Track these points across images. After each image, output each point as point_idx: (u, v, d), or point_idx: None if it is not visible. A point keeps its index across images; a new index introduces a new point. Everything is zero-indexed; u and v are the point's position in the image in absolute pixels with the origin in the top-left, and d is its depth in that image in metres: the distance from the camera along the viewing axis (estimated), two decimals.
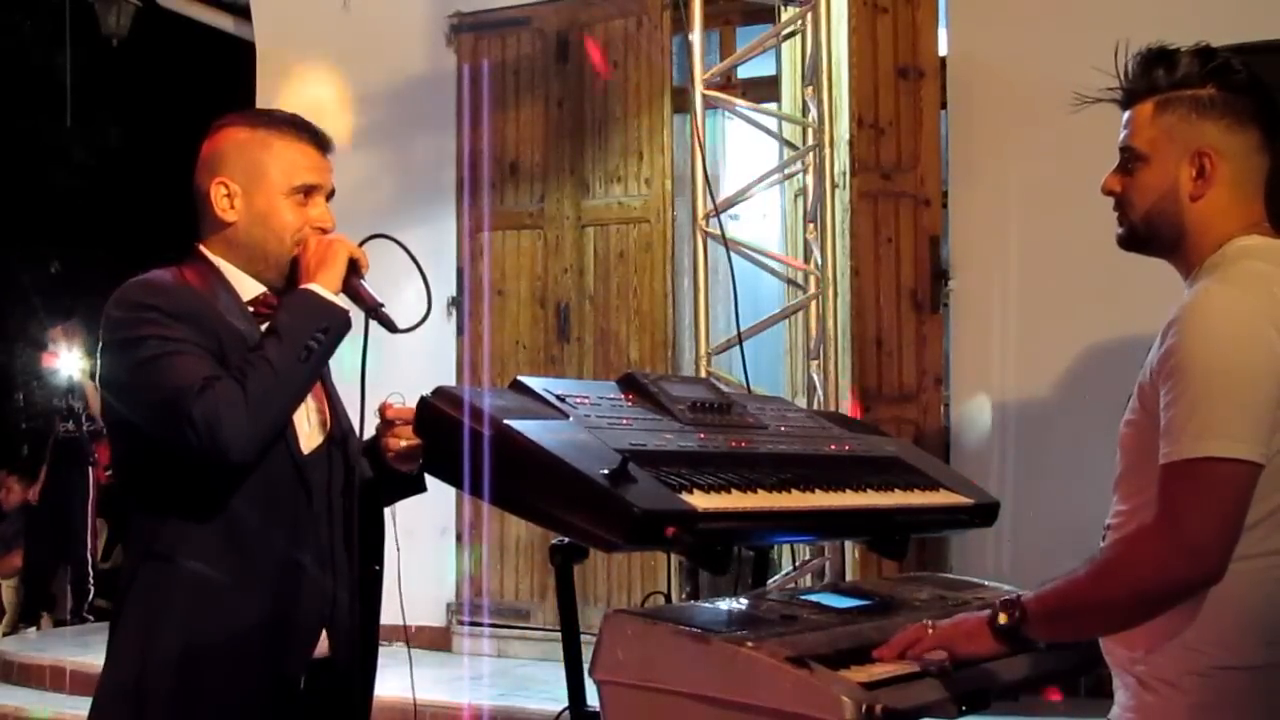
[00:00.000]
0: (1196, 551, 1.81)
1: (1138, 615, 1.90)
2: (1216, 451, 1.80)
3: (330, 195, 2.38)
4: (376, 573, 2.43)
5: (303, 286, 2.25)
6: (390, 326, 2.31)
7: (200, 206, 2.34)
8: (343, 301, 2.27)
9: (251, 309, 2.31)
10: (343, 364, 2.33)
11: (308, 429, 2.32)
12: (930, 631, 2.04)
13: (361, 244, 2.34)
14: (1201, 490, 1.81)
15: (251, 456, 2.15)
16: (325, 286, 2.24)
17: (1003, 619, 1.97)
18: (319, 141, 2.37)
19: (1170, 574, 1.83)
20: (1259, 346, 1.85)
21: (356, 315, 2.31)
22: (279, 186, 2.31)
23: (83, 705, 2.29)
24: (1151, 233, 2.04)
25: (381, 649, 2.46)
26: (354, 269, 2.30)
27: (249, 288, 2.33)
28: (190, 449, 2.10)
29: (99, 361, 2.27)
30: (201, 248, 2.35)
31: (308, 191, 2.33)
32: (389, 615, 2.47)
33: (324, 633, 2.31)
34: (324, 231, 2.33)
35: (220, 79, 9.89)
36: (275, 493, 2.25)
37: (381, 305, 2.31)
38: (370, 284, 2.34)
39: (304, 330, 2.19)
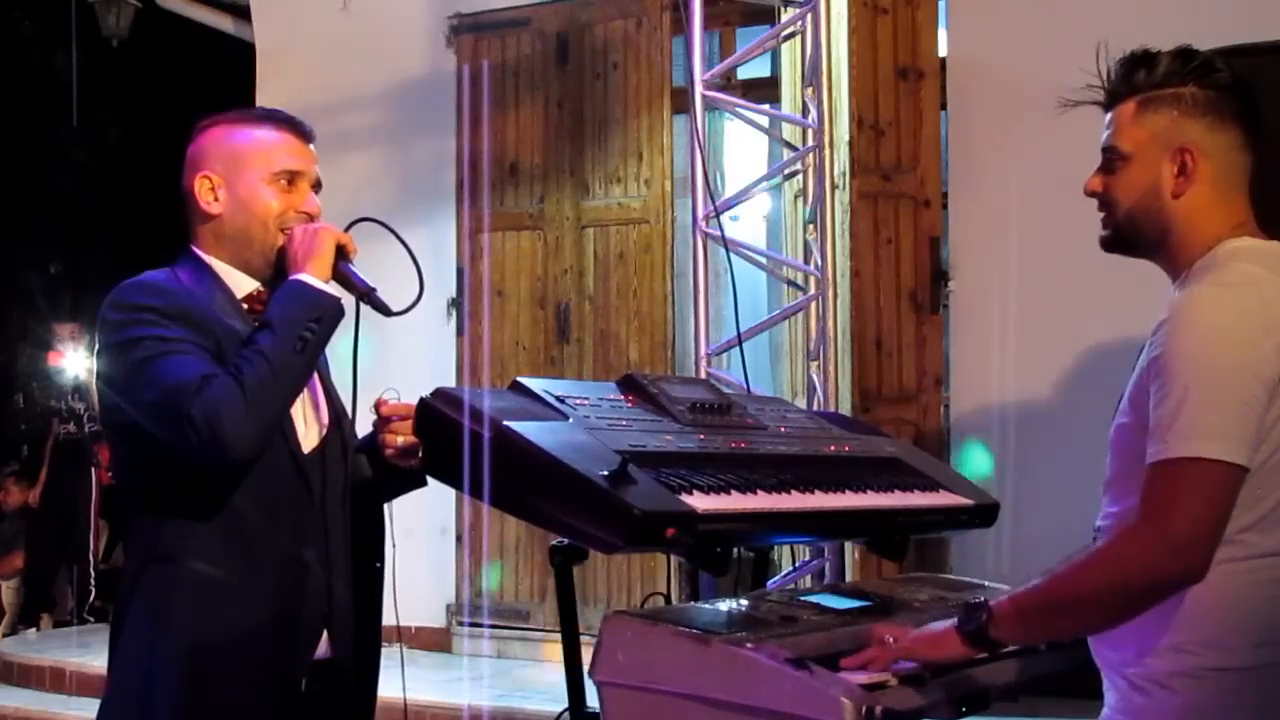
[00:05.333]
0: (1180, 549, 1.81)
1: (1117, 614, 1.90)
2: (1202, 453, 1.81)
3: (317, 187, 2.38)
4: (378, 570, 2.43)
5: (292, 277, 2.24)
6: (384, 310, 2.30)
7: (186, 204, 2.35)
8: (334, 289, 2.27)
9: (245, 306, 2.31)
10: (337, 353, 2.33)
11: (304, 427, 2.32)
12: (893, 644, 2.01)
13: (347, 229, 2.34)
14: (1187, 490, 1.81)
15: (252, 453, 2.15)
16: (315, 275, 2.24)
17: (968, 622, 1.96)
18: (299, 130, 2.37)
19: (1154, 572, 1.83)
20: (1247, 349, 1.85)
21: (349, 302, 2.30)
22: (260, 173, 2.31)
23: (82, 706, 2.29)
24: (1134, 231, 2.05)
25: (383, 648, 2.46)
26: (342, 255, 2.29)
27: (242, 284, 2.33)
28: (191, 447, 2.09)
29: (96, 363, 2.27)
30: (193, 248, 2.35)
31: (290, 178, 2.33)
32: (387, 616, 2.47)
33: (325, 633, 2.31)
34: (309, 218, 2.33)
35: (220, 79, 9.89)
36: (277, 491, 2.25)
37: (374, 290, 2.30)
38: (360, 269, 2.33)
39: (297, 321, 2.19)
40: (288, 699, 2.25)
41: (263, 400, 2.13)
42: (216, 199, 2.32)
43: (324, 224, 2.32)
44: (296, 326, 2.18)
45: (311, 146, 2.38)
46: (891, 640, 2.02)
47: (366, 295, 2.30)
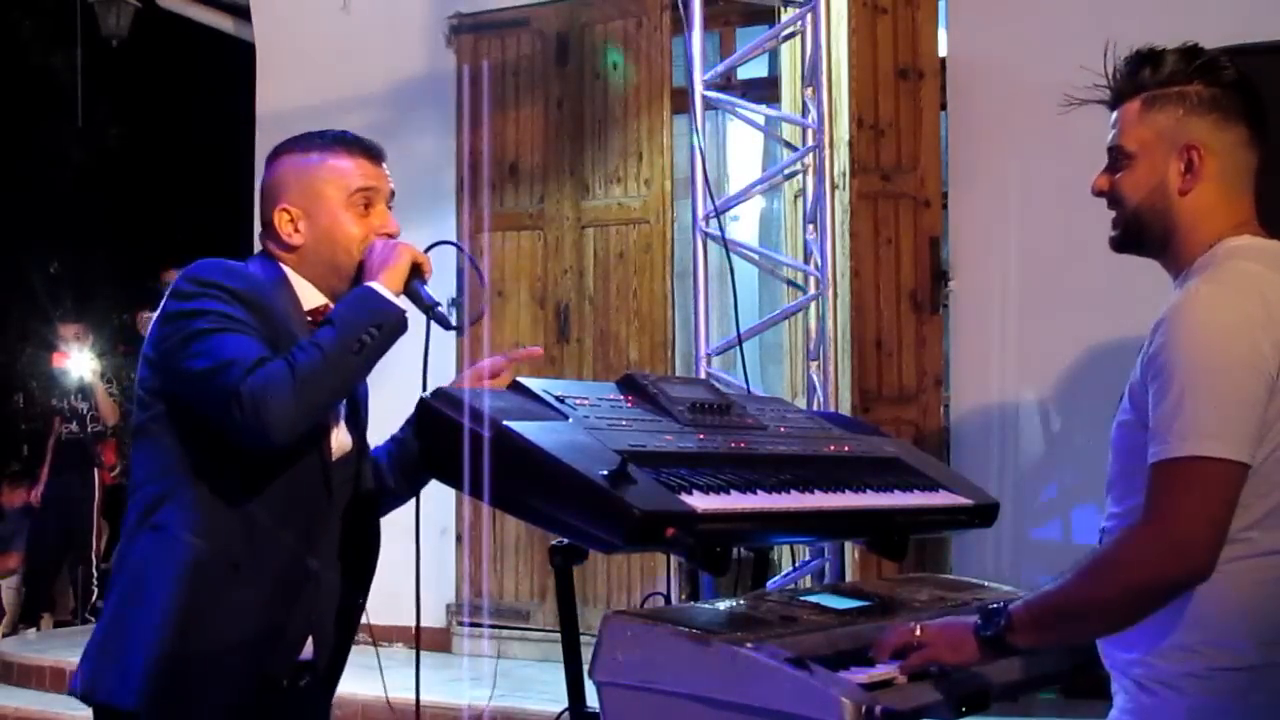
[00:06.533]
0: (1185, 550, 1.82)
1: (1127, 615, 1.91)
2: (1203, 451, 1.81)
3: (390, 199, 2.42)
4: (360, 605, 2.45)
5: (364, 284, 2.28)
6: (445, 324, 2.35)
7: (266, 233, 2.39)
8: (403, 303, 2.30)
9: (309, 319, 2.34)
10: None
11: (335, 435, 2.35)
12: (918, 634, 2.03)
13: (426, 250, 2.37)
14: (1189, 489, 1.82)
15: (289, 441, 2.17)
16: (386, 286, 2.27)
17: (987, 629, 1.97)
18: (370, 152, 2.41)
19: (1159, 572, 1.84)
20: (1245, 347, 1.85)
21: (418, 321, 2.33)
22: (337, 200, 2.35)
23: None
24: (1141, 229, 2.05)
25: (381, 649, 2.47)
26: (416, 273, 2.33)
27: (311, 298, 2.36)
28: (232, 424, 2.12)
29: (153, 327, 2.28)
30: (271, 254, 2.38)
31: (367, 201, 2.37)
32: (389, 615, 2.47)
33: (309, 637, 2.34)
34: (390, 238, 2.37)
35: (220, 79, 9.89)
36: (299, 494, 2.28)
37: (438, 305, 2.35)
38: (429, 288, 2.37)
39: (359, 324, 2.22)
40: (265, 692, 2.27)
41: (311, 391, 2.15)
42: (297, 230, 2.35)
43: (404, 241, 2.36)
44: (358, 328, 2.21)
45: (384, 166, 2.42)
46: (916, 631, 2.03)
47: (431, 310, 2.34)
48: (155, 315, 2.30)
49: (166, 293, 2.27)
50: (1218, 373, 1.83)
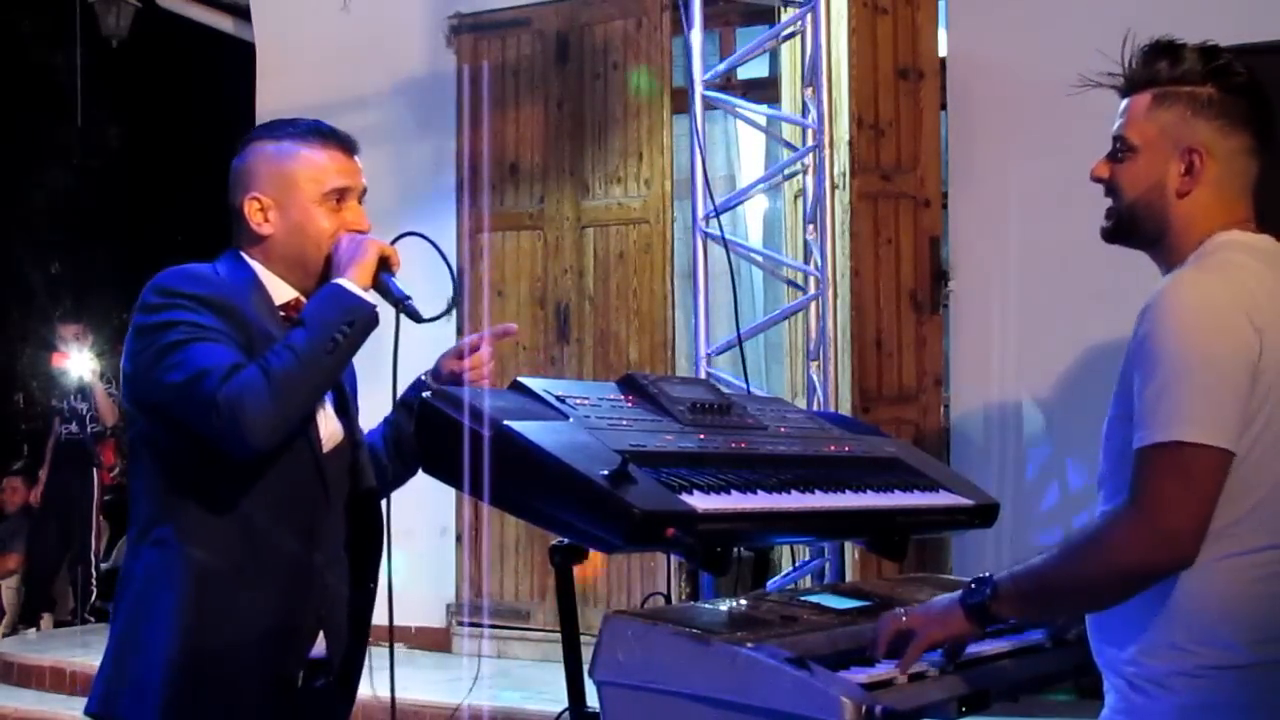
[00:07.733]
0: (1170, 535, 1.82)
1: (1111, 596, 1.92)
2: (1187, 437, 1.81)
3: (362, 195, 2.40)
4: (371, 590, 2.44)
5: (333, 281, 2.27)
6: (416, 317, 2.33)
7: (235, 221, 2.37)
8: (372, 298, 2.29)
9: (282, 313, 2.33)
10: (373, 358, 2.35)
11: (324, 428, 2.34)
12: (904, 620, 2.05)
13: (393, 242, 2.36)
14: (1173, 475, 1.82)
15: (271, 444, 2.16)
16: (355, 281, 2.26)
17: (972, 596, 1.99)
18: (345, 145, 2.39)
19: (1144, 557, 1.84)
20: (1230, 334, 1.85)
21: (389, 313, 2.32)
22: (310, 195, 2.33)
23: (83, 706, 2.29)
24: (1134, 223, 2.05)
25: (380, 649, 2.47)
26: (385, 266, 2.32)
27: (281, 292, 2.35)
28: (213, 432, 2.11)
29: (127, 342, 2.28)
30: (239, 251, 2.37)
31: (339, 196, 2.35)
32: (387, 615, 2.47)
33: (321, 634, 2.33)
34: (359, 233, 2.36)
35: (220, 79, 9.88)
36: (295, 491, 2.27)
37: (408, 298, 2.33)
38: (399, 280, 2.36)
39: (331, 323, 2.21)
40: (282, 693, 2.27)
41: (288, 394, 2.15)
42: (267, 220, 2.33)
43: (370, 236, 2.35)
44: (330, 328, 2.20)
45: (357, 158, 2.40)
46: (903, 616, 2.04)
47: (401, 303, 2.33)
48: (130, 328, 2.28)
49: (135, 306, 2.26)
50: (1202, 359, 1.83)
